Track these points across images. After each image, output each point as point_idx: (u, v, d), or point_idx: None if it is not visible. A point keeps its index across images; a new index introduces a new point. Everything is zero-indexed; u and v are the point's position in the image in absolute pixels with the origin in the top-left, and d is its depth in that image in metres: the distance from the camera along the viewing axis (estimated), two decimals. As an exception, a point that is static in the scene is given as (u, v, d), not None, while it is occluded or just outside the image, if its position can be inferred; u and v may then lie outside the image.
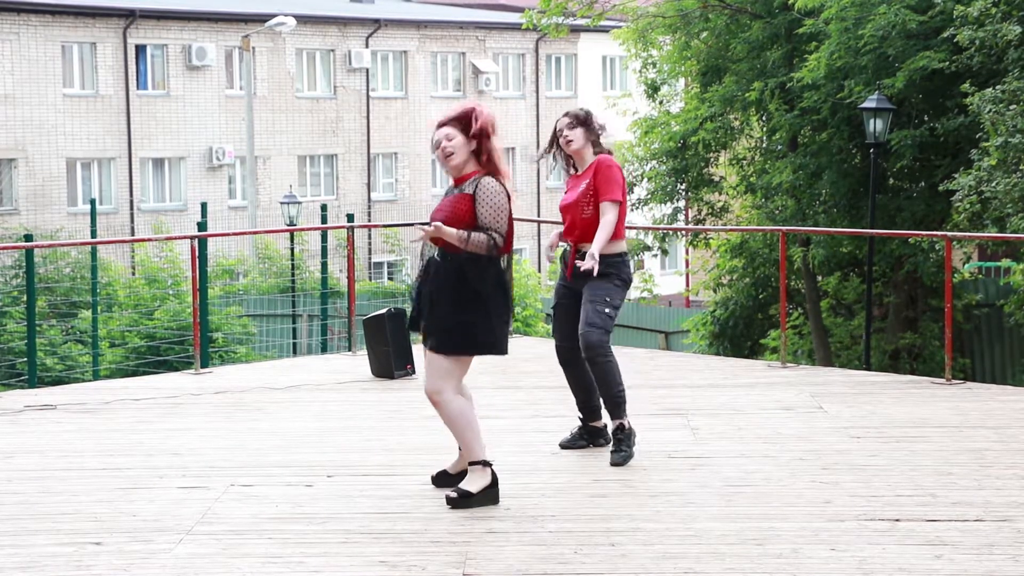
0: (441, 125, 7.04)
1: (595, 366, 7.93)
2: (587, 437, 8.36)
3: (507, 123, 45.54)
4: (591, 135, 8.04)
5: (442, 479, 7.39)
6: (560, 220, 8.20)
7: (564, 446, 8.35)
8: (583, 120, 8.04)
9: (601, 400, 8.11)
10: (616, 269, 7.99)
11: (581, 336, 7.92)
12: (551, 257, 8.32)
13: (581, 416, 8.37)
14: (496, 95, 45.00)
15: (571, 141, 8.02)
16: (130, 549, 6.34)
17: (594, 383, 8.09)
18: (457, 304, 6.96)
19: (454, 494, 7.03)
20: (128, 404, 10.30)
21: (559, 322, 8.21)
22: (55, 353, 22.65)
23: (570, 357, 8.18)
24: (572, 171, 8.15)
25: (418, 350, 11.49)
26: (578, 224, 8.03)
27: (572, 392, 8.33)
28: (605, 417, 8.29)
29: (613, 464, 7.91)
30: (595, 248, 7.83)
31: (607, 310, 7.91)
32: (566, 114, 8.11)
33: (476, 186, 6.97)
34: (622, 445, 7.97)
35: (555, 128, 8.13)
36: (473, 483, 7.04)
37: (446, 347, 6.98)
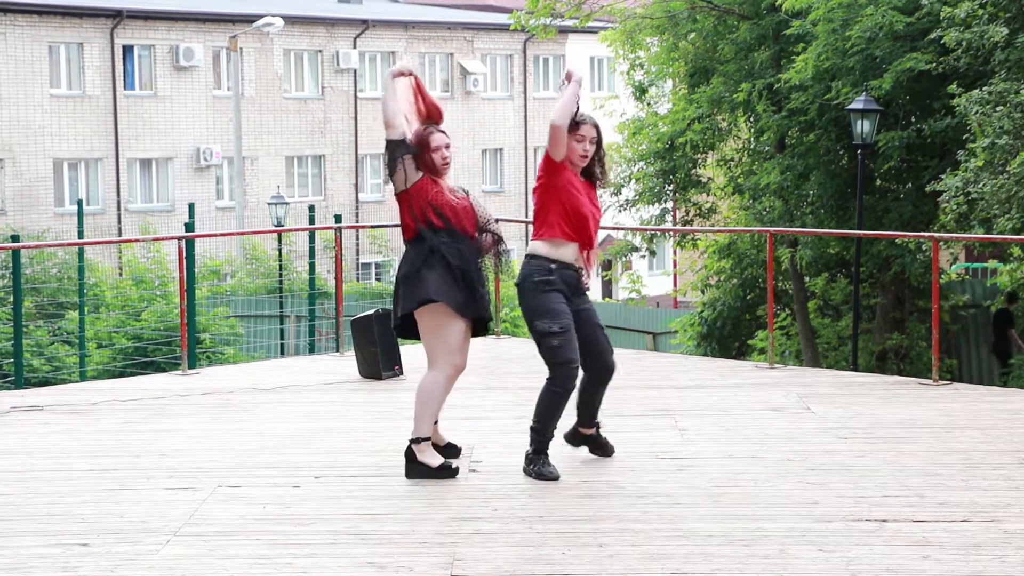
0: (439, 129, 7.78)
1: (604, 389, 7.79)
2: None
3: (495, 124, 45.53)
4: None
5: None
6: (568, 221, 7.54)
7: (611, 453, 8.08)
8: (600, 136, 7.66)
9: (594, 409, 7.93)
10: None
11: (609, 364, 7.64)
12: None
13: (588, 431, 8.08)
14: (484, 96, 45.00)
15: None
16: (117, 550, 6.33)
17: None
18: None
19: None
20: (115, 405, 10.27)
21: (574, 339, 7.48)
22: (42, 354, 22.59)
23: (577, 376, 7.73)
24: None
25: (411, 351, 11.50)
26: (594, 234, 7.62)
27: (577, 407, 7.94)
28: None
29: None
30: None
31: None
32: (591, 123, 7.52)
33: (468, 192, 7.90)
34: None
35: (596, 134, 7.53)
36: None
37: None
